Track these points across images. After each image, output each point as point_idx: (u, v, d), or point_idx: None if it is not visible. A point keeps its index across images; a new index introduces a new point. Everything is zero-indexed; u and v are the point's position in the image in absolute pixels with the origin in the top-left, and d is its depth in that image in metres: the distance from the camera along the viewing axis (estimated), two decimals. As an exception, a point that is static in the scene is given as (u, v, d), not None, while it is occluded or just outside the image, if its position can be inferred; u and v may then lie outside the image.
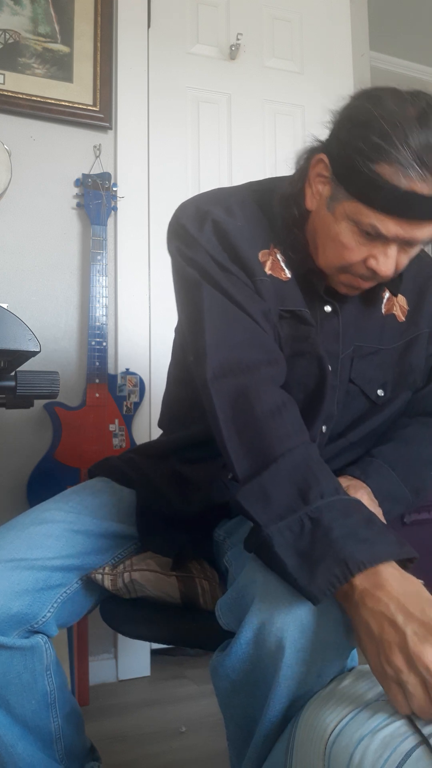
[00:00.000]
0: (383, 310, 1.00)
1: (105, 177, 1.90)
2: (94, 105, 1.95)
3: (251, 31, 2.20)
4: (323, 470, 0.76)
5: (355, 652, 0.77)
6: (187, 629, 0.94)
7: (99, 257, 1.82)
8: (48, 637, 0.95)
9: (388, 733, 0.58)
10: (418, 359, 1.02)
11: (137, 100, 2.01)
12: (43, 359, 1.81)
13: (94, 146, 1.96)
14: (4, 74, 1.86)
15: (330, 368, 0.94)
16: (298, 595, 0.68)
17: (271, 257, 0.95)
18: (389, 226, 0.81)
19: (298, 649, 0.70)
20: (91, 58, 1.97)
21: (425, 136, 0.77)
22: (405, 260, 0.87)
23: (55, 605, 0.92)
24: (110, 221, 1.93)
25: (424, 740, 0.56)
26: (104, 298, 1.82)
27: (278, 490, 0.74)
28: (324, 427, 0.96)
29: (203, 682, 1.77)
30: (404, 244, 0.84)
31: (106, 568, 0.93)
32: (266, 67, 2.22)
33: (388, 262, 0.84)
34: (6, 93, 1.85)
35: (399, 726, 0.59)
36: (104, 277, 1.82)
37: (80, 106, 1.93)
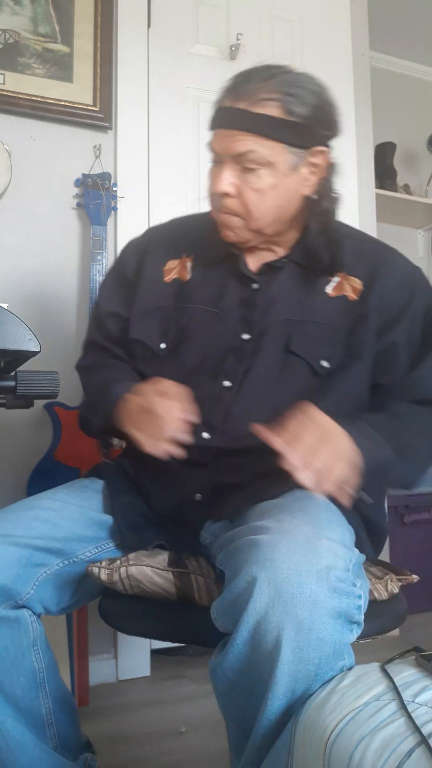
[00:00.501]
0: (331, 292, 1.08)
1: (105, 177, 1.90)
2: (94, 105, 1.95)
3: (251, 31, 2.20)
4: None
5: (351, 651, 0.77)
6: (183, 625, 0.94)
7: (99, 257, 1.82)
8: (34, 613, 0.97)
9: (388, 733, 0.58)
10: (367, 335, 1.06)
11: (137, 100, 2.01)
12: (43, 359, 1.80)
13: (94, 146, 1.96)
14: (4, 74, 1.86)
15: (231, 329, 1.07)
16: (294, 596, 0.70)
17: (179, 265, 1.15)
18: (213, 141, 1.01)
19: (294, 647, 0.70)
20: (91, 58, 1.97)
21: (240, 73, 1.00)
22: (246, 188, 0.99)
23: (36, 583, 0.95)
24: (110, 221, 1.93)
25: (423, 740, 0.56)
26: (104, 298, 1.82)
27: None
28: (228, 383, 1.05)
29: (203, 682, 1.77)
30: (228, 158, 0.99)
31: (103, 562, 0.94)
32: (266, 67, 2.22)
33: (218, 178, 1.00)
34: (6, 93, 1.85)
35: (399, 726, 0.59)
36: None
37: (80, 106, 1.93)
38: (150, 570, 0.91)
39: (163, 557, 0.96)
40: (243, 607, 0.73)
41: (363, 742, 0.59)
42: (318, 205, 1.08)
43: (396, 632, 2.23)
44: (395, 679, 0.67)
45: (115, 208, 1.92)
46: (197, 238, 1.15)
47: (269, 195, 1.00)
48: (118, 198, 1.93)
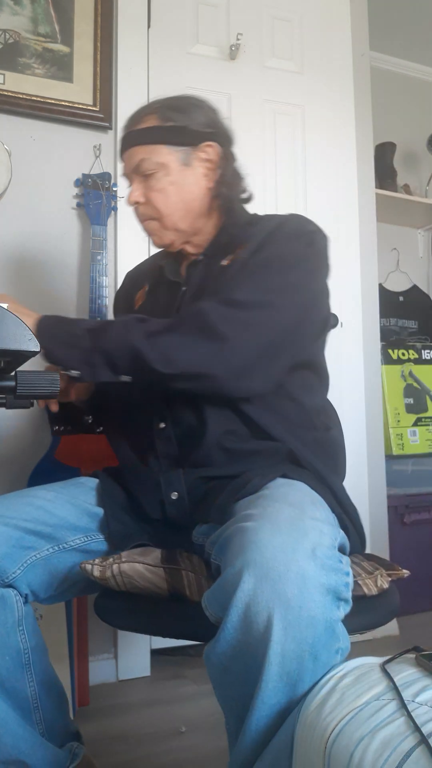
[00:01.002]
0: (224, 262, 1.15)
1: (105, 177, 1.90)
2: (94, 105, 1.96)
3: (251, 31, 2.20)
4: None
5: (345, 632, 0.76)
6: (176, 620, 0.95)
7: (99, 257, 1.82)
8: (20, 594, 0.99)
9: (388, 733, 0.58)
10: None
11: (137, 100, 2.01)
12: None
13: (94, 146, 1.96)
14: (4, 74, 1.87)
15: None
16: (281, 575, 0.71)
17: (141, 293, 1.31)
18: (123, 168, 1.19)
19: (285, 626, 0.70)
20: (91, 58, 1.97)
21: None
22: (150, 192, 1.14)
23: (24, 565, 0.99)
24: (110, 221, 1.93)
25: (423, 740, 0.56)
26: (104, 298, 1.82)
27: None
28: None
29: (203, 682, 1.77)
30: (133, 174, 1.16)
31: (96, 560, 0.96)
32: (266, 67, 2.22)
33: (129, 194, 1.17)
34: (6, 93, 1.85)
35: (399, 725, 0.59)
36: (104, 277, 1.82)
37: (80, 106, 1.93)
38: (142, 567, 0.92)
39: (156, 554, 0.97)
40: (232, 591, 0.73)
41: (363, 741, 0.59)
42: (220, 195, 1.17)
43: (396, 632, 2.23)
44: (395, 679, 0.67)
45: (115, 208, 1.92)
46: (152, 266, 1.33)
47: (170, 191, 1.14)
48: (118, 198, 1.93)
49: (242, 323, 0.99)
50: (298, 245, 1.09)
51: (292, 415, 1.09)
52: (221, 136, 1.18)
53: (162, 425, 1.11)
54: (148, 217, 1.18)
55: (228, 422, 1.06)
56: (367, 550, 2.23)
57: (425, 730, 0.57)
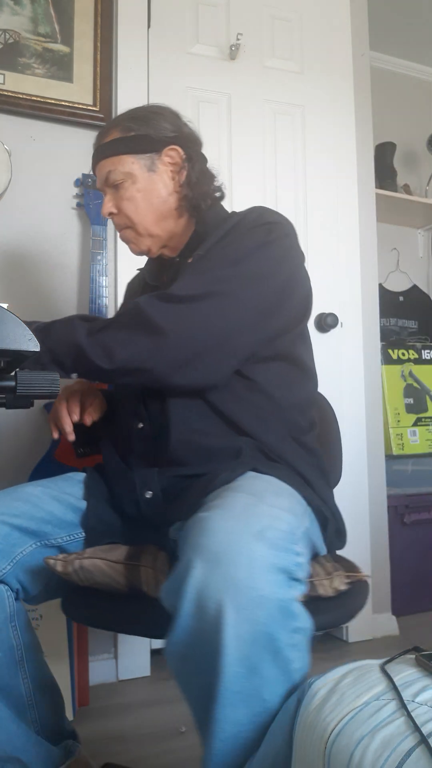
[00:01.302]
0: (189, 260, 1.17)
1: (105, 177, 1.90)
2: (94, 105, 1.96)
3: (251, 31, 2.20)
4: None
5: (305, 612, 0.77)
6: (135, 615, 0.96)
7: (99, 257, 1.82)
8: (12, 590, 1.01)
9: (388, 733, 0.58)
10: None
11: (137, 100, 2.01)
12: (43, 359, 1.80)
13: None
14: (4, 74, 1.87)
15: None
16: (229, 558, 0.72)
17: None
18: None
19: (237, 608, 0.71)
20: (91, 58, 1.97)
21: None
22: (121, 201, 1.19)
23: (13, 561, 1.01)
24: (110, 221, 1.92)
25: (423, 740, 0.56)
26: (104, 298, 1.82)
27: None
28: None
29: (203, 682, 1.77)
30: (105, 188, 1.21)
31: (60, 555, 0.99)
32: (266, 67, 2.22)
33: (103, 204, 1.21)
34: (6, 93, 1.85)
35: (399, 725, 0.59)
36: (104, 277, 1.82)
37: (80, 106, 1.93)
38: (102, 563, 0.95)
39: (121, 551, 0.99)
40: (184, 579, 0.74)
41: (363, 741, 0.59)
42: (186, 196, 1.20)
43: (396, 632, 2.23)
44: (395, 679, 0.67)
45: (115, 208, 1.92)
46: (141, 273, 1.38)
47: (139, 198, 1.18)
48: (118, 198, 1.93)
49: (180, 316, 1.00)
50: (255, 236, 1.09)
51: (266, 411, 1.09)
52: (185, 140, 1.20)
53: (140, 425, 1.13)
54: (123, 226, 1.22)
55: (199, 419, 1.07)
56: (368, 550, 2.25)
57: (425, 730, 0.57)
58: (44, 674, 1.07)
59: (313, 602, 0.86)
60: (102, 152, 1.20)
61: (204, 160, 1.24)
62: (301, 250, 1.17)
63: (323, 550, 1.07)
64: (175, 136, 1.19)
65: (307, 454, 1.11)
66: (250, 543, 0.74)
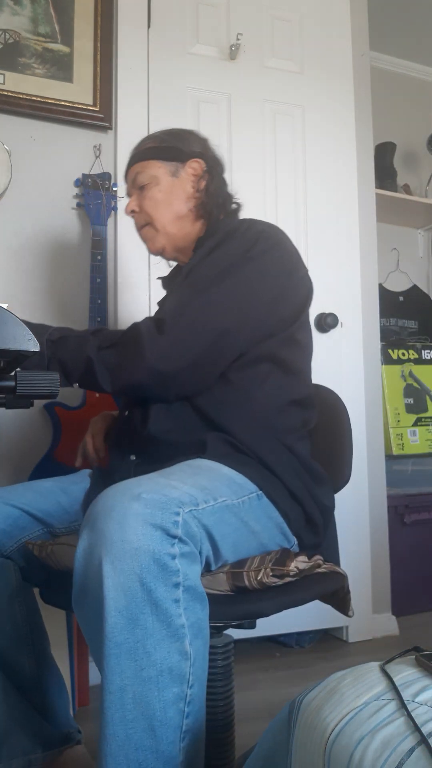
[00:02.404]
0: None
1: (105, 177, 1.90)
2: (94, 105, 1.96)
3: (251, 31, 2.20)
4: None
5: (190, 570, 0.81)
6: None
7: (99, 257, 1.82)
8: (18, 567, 1.12)
9: (388, 733, 0.58)
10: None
11: (137, 100, 2.01)
12: (43, 359, 1.80)
13: (94, 146, 1.96)
14: (4, 74, 1.87)
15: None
16: (105, 517, 0.80)
17: None
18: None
19: (112, 560, 0.77)
20: (91, 58, 1.97)
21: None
22: (143, 200, 1.29)
23: (19, 542, 1.12)
24: (110, 221, 1.93)
25: (423, 740, 0.56)
26: (104, 299, 1.82)
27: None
28: None
29: (203, 682, 1.77)
30: (132, 189, 1.33)
31: (39, 540, 1.09)
32: (266, 67, 2.22)
33: (128, 203, 1.32)
34: (6, 93, 1.85)
35: (399, 725, 0.59)
36: (104, 277, 1.82)
37: (80, 106, 1.93)
38: (68, 548, 1.00)
39: None
40: (78, 544, 0.82)
41: (363, 741, 0.59)
42: (202, 203, 1.28)
43: (396, 632, 2.23)
44: (395, 679, 0.67)
45: (115, 208, 1.92)
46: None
47: (160, 198, 1.28)
48: (118, 198, 1.93)
49: (171, 343, 1.07)
50: (239, 246, 1.14)
51: (244, 408, 1.12)
52: (209, 158, 1.32)
53: (126, 413, 1.21)
54: (143, 223, 1.32)
55: (175, 416, 1.12)
56: (368, 550, 2.24)
57: (425, 730, 0.57)
58: (50, 662, 1.16)
59: (236, 592, 0.94)
60: (134, 158, 1.33)
61: (224, 182, 1.33)
62: (294, 256, 1.20)
63: (288, 537, 1.08)
64: (200, 153, 1.31)
65: (285, 452, 1.12)
66: (124, 502, 0.80)
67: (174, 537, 0.81)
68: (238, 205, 1.34)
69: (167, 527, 0.80)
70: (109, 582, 0.77)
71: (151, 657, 0.77)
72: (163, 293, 1.42)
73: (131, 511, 0.79)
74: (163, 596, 0.78)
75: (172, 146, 1.29)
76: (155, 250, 1.33)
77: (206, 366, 1.09)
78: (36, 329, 1.11)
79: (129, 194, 1.34)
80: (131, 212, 1.32)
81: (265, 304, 1.12)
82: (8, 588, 1.11)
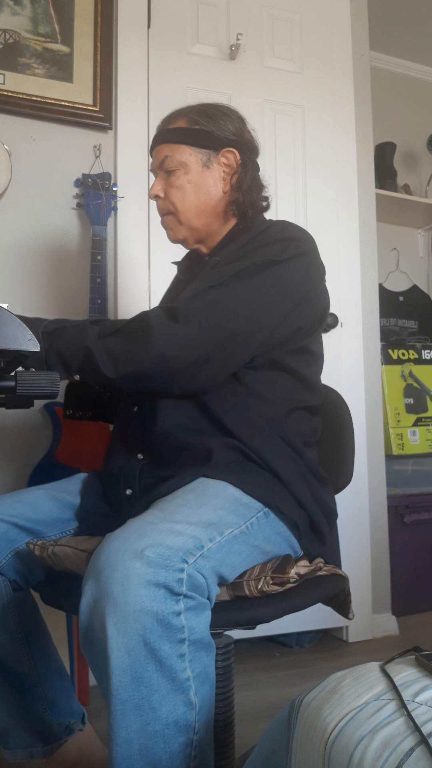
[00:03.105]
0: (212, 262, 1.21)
1: (105, 177, 1.90)
2: (94, 105, 1.96)
3: (251, 31, 2.20)
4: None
5: (201, 624, 0.81)
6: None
7: (99, 257, 1.82)
8: (8, 580, 1.10)
9: (388, 733, 0.58)
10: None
11: (137, 100, 2.01)
12: (43, 359, 1.80)
13: (94, 146, 1.96)
14: (4, 74, 1.87)
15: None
16: (108, 576, 0.79)
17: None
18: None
19: (116, 622, 0.77)
20: (91, 58, 1.97)
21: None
22: (170, 188, 1.21)
23: (9, 555, 1.09)
24: (110, 221, 1.93)
25: (423, 740, 0.56)
26: (104, 299, 1.82)
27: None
28: None
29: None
30: (158, 170, 1.23)
31: (39, 541, 1.07)
32: (266, 67, 2.22)
33: (152, 186, 1.23)
34: (6, 93, 1.85)
35: (399, 725, 0.59)
36: (104, 277, 1.82)
37: (80, 106, 1.93)
38: (70, 550, 1.02)
39: (94, 542, 1.03)
40: (82, 593, 0.82)
41: (363, 741, 0.58)
42: (235, 200, 1.22)
43: (396, 632, 2.23)
44: (395, 679, 0.67)
45: (115, 208, 1.92)
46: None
47: (188, 189, 1.20)
48: (118, 198, 1.93)
49: (183, 333, 1.03)
50: (268, 252, 1.11)
51: (253, 412, 1.11)
52: (244, 145, 1.23)
53: (135, 408, 1.18)
54: (166, 211, 1.24)
55: (185, 415, 1.10)
56: (368, 550, 2.24)
57: (425, 730, 0.57)
58: (49, 656, 1.16)
59: (238, 600, 0.95)
60: (163, 137, 1.23)
61: (258, 168, 1.26)
62: (320, 268, 1.17)
63: (295, 548, 1.08)
64: (235, 140, 1.22)
65: (295, 457, 1.12)
66: (126, 561, 0.79)
67: (178, 594, 0.80)
68: (268, 201, 1.28)
69: (171, 586, 0.79)
70: (112, 642, 0.77)
71: (156, 712, 0.78)
72: (165, 278, 1.36)
73: (134, 571, 0.78)
74: (168, 653, 0.78)
75: (206, 131, 1.20)
76: (175, 240, 1.27)
77: (214, 364, 1.05)
78: (32, 323, 1.07)
79: (153, 173, 1.25)
80: (155, 197, 1.24)
81: (282, 312, 1.09)
82: (0, 603, 1.10)
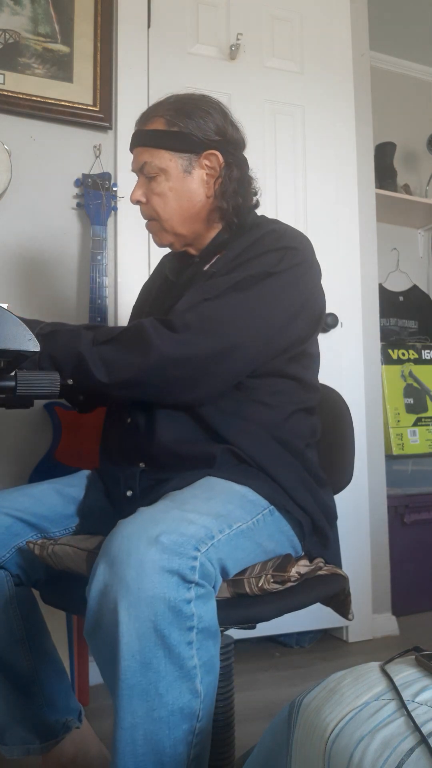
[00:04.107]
0: (206, 268, 1.18)
1: (105, 177, 1.90)
2: (94, 105, 1.96)
3: (251, 31, 2.20)
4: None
5: (209, 612, 0.81)
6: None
7: (99, 257, 1.82)
8: (11, 575, 1.10)
9: (388, 733, 0.58)
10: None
11: (137, 100, 2.01)
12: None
13: (94, 146, 1.96)
14: (4, 74, 1.87)
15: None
16: (123, 561, 0.79)
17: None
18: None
19: (128, 607, 0.77)
20: (91, 58, 1.97)
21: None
22: (151, 194, 1.18)
23: (12, 549, 1.09)
24: (110, 221, 1.93)
25: (423, 740, 0.56)
26: (104, 299, 1.82)
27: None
28: None
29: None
30: (138, 173, 1.19)
31: (39, 540, 1.08)
32: (266, 67, 2.22)
33: (133, 190, 1.20)
34: (6, 93, 1.85)
35: (399, 725, 0.59)
36: (104, 277, 1.82)
37: (80, 106, 1.93)
38: (70, 549, 1.02)
39: (94, 541, 1.03)
40: (92, 578, 0.82)
41: (363, 741, 0.58)
42: (218, 206, 1.18)
43: (396, 632, 2.23)
44: (395, 679, 0.67)
45: (115, 208, 1.92)
46: (163, 263, 1.38)
47: (170, 197, 1.17)
48: (118, 198, 1.93)
49: (180, 344, 1.01)
50: (265, 262, 1.09)
51: (250, 419, 1.10)
52: (227, 144, 1.18)
53: (129, 420, 1.16)
54: (149, 217, 1.22)
55: (183, 427, 1.09)
56: (368, 550, 2.24)
57: (425, 730, 0.57)
58: (48, 654, 1.16)
59: (238, 598, 0.95)
60: (141, 139, 1.19)
61: (244, 164, 1.21)
62: (316, 274, 1.16)
63: (296, 548, 1.08)
64: (217, 141, 1.16)
65: (293, 460, 1.12)
66: (142, 547, 0.80)
67: (191, 582, 0.80)
68: (257, 198, 1.25)
69: (184, 573, 0.80)
70: (123, 627, 0.77)
71: (163, 699, 0.79)
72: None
73: (148, 557, 0.79)
74: (177, 641, 0.79)
75: (184, 133, 1.14)
76: (162, 245, 1.25)
77: (211, 378, 1.04)
78: (28, 325, 1.08)
79: (134, 173, 1.22)
80: (137, 202, 1.20)
81: (280, 322, 1.08)
82: (2, 598, 1.10)
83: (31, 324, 1.06)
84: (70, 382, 1.06)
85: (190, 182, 1.17)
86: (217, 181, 1.17)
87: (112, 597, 0.79)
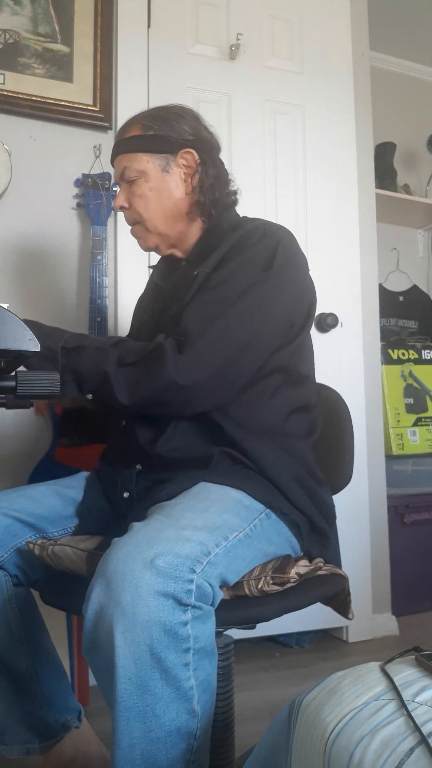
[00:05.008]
0: (195, 272, 1.18)
1: (105, 177, 1.90)
2: (94, 105, 1.96)
3: (251, 31, 2.20)
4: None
5: (207, 634, 0.81)
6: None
7: (99, 257, 1.82)
8: (9, 575, 1.11)
9: (388, 733, 0.58)
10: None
11: (137, 100, 2.01)
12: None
13: (94, 146, 1.96)
14: (4, 74, 1.87)
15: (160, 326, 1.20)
16: (118, 585, 0.79)
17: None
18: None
19: (124, 631, 0.77)
20: (91, 58, 1.97)
21: None
22: (133, 197, 1.22)
23: (10, 550, 1.10)
24: (110, 221, 1.93)
25: (423, 740, 0.56)
26: (104, 299, 1.82)
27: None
28: None
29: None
30: (120, 181, 1.23)
31: (39, 540, 1.08)
32: (266, 67, 2.21)
33: (116, 198, 1.25)
34: (6, 93, 1.85)
35: (399, 725, 0.59)
36: (104, 277, 1.82)
37: (80, 106, 1.93)
38: (69, 549, 1.02)
39: (93, 541, 1.04)
40: (88, 596, 0.82)
41: (363, 741, 0.58)
42: (197, 201, 1.22)
43: (396, 632, 2.23)
44: (395, 679, 0.67)
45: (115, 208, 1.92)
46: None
47: (151, 197, 1.21)
48: (118, 198, 1.93)
49: (193, 362, 1.04)
50: (257, 263, 1.11)
51: (249, 419, 1.11)
52: (202, 144, 1.23)
53: (123, 423, 1.18)
54: (133, 221, 1.25)
55: (177, 427, 1.10)
56: (368, 550, 2.24)
57: (425, 730, 0.57)
58: (48, 654, 1.17)
59: (237, 600, 0.95)
60: (120, 147, 1.23)
61: (220, 164, 1.26)
62: (305, 265, 1.18)
63: (296, 548, 1.08)
64: (192, 140, 1.21)
65: (291, 460, 1.12)
66: (137, 571, 0.79)
67: (187, 605, 0.80)
68: (236, 197, 1.29)
69: (180, 597, 0.80)
70: (119, 651, 0.77)
71: (160, 720, 0.79)
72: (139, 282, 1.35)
73: (144, 581, 0.78)
74: (173, 663, 0.79)
75: (160, 135, 1.20)
76: (147, 249, 1.28)
77: (226, 381, 1.07)
78: (51, 334, 1.09)
79: (117, 184, 1.26)
80: (120, 208, 1.25)
81: (281, 317, 1.11)
82: (0, 598, 1.11)
83: (54, 333, 1.09)
84: (90, 396, 1.08)
85: (168, 181, 1.21)
86: (194, 177, 1.21)
87: (108, 620, 0.78)
